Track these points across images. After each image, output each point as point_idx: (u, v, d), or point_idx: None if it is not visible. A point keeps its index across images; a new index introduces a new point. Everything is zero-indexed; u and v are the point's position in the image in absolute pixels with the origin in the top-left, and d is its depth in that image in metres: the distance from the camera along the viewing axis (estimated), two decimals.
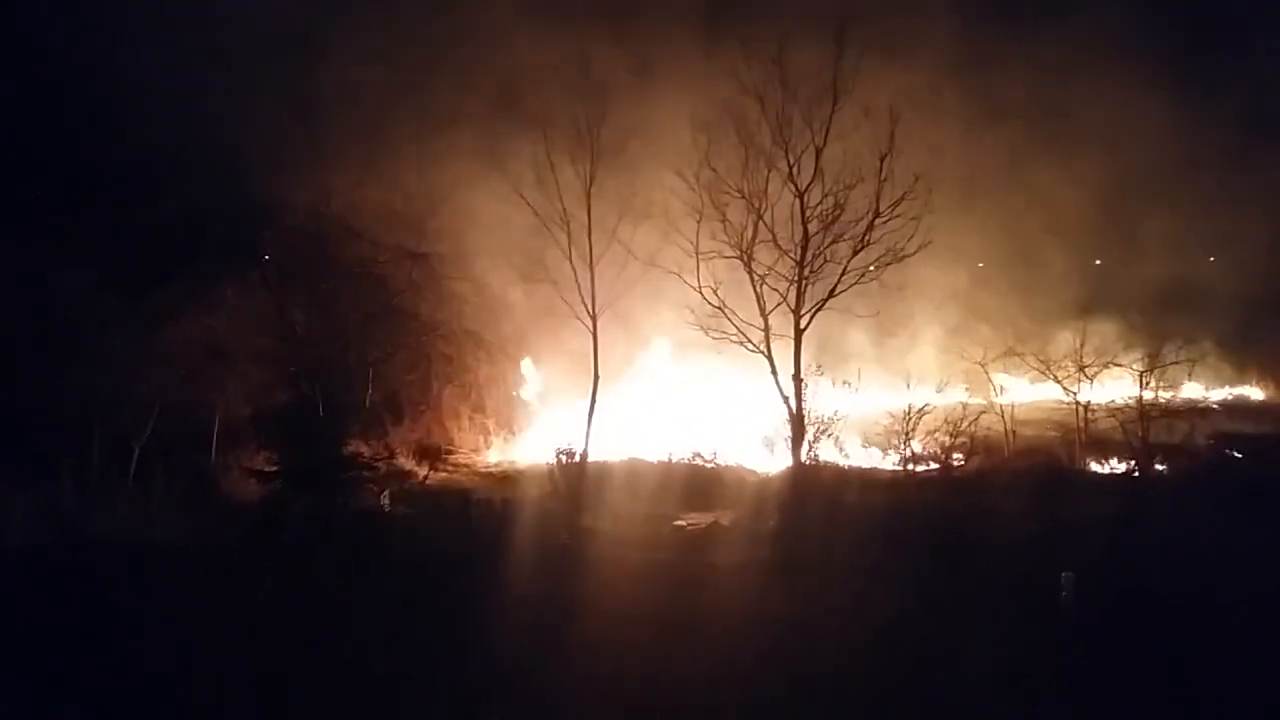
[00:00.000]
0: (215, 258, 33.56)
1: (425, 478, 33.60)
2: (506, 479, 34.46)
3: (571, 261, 32.62)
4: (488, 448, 37.97)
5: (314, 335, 35.01)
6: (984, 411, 35.69)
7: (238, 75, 35.32)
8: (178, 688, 18.01)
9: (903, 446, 33.30)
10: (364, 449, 34.78)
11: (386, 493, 30.40)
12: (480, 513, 29.39)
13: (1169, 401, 34.43)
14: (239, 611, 21.03)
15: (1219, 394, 44.87)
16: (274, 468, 31.57)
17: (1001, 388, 37.82)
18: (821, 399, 32.92)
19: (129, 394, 29.51)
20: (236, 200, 34.93)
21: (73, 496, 28.01)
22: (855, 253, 31.15)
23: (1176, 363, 34.55)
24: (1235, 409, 42.38)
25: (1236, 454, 34.22)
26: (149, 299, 30.76)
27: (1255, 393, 45.80)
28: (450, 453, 36.67)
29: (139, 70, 35.28)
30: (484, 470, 35.93)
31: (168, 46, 36.14)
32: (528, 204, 33.01)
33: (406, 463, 34.82)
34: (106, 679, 18.20)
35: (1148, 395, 33.87)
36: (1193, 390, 42.44)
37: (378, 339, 36.76)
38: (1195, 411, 36.95)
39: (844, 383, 34.07)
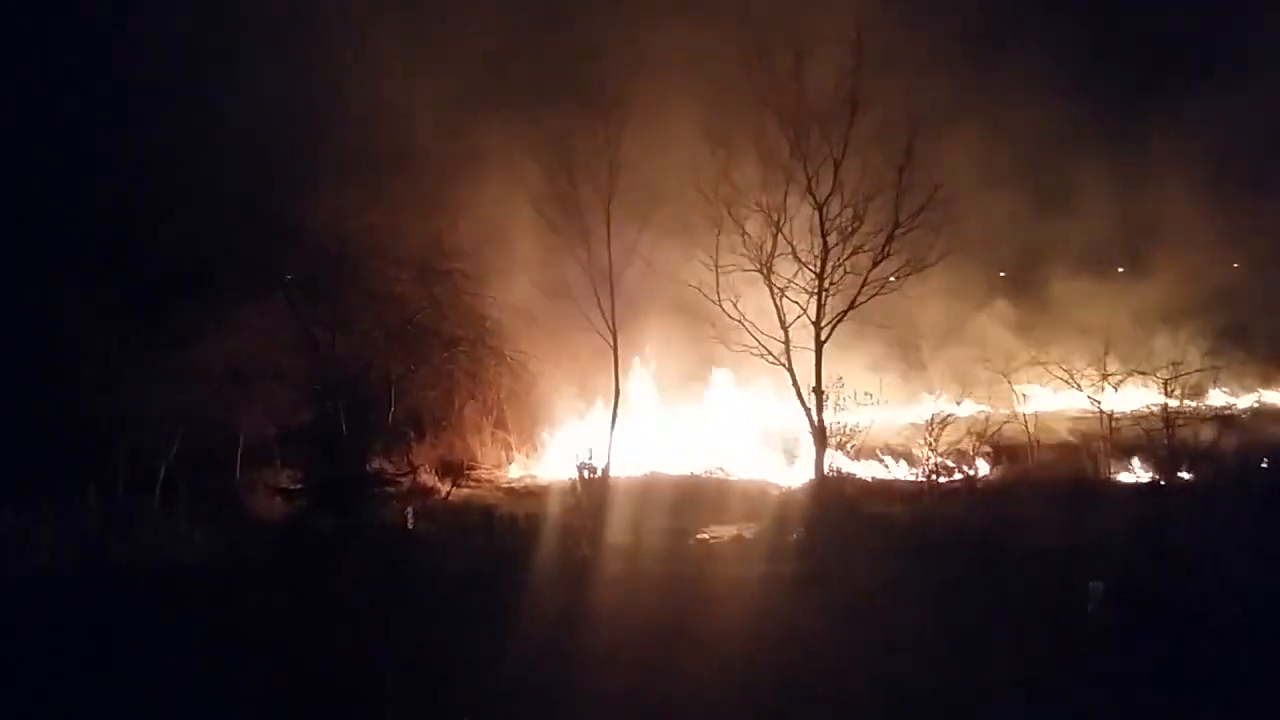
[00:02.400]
0: (236, 277, 33.76)
1: (448, 494, 33.67)
2: (529, 494, 34.51)
3: (591, 276, 32.80)
4: (510, 463, 38.04)
5: (336, 354, 35.19)
6: (1007, 421, 35.56)
7: (258, 93, 35.62)
8: (206, 708, 18.15)
9: (926, 458, 33.14)
10: (387, 466, 34.90)
11: (411, 509, 30.51)
12: (503, 528, 29.44)
13: (1194, 409, 34.14)
14: (265, 630, 21.15)
15: (1246, 400, 44.43)
16: (298, 485, 31.81)
17: (1025, 396, 37.61)
18: (845, 411, 32.98)
19: (152, 414, 29.73)
20: (257, 219, 35.20)
21: (97, 518, 28.25)
22: (875, 264, 31.18)
23: (1201, 370, 34.24)
24: (1262, 415, 41.93)
25: (1263, 462, 33.82)
26: (170, 319, 30.99)
27: None
28: (473, 469, 36.79)
29: (157, 88, 35.75)
30: (506, 486, 35.99)
31: (186, 63, 36.50)
32: (547, 220, 33.20)
33: (429, 479, 34.89)
34: (134, 700, 18.34)
35: (1172, 403, 33.57)
36: (1220, 397, 42.09)
37: (399, 356, 36.92)
38: (1221, 419, 36.62)
39: (865, 394, 33.97)
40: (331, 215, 34.78)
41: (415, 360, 37.73)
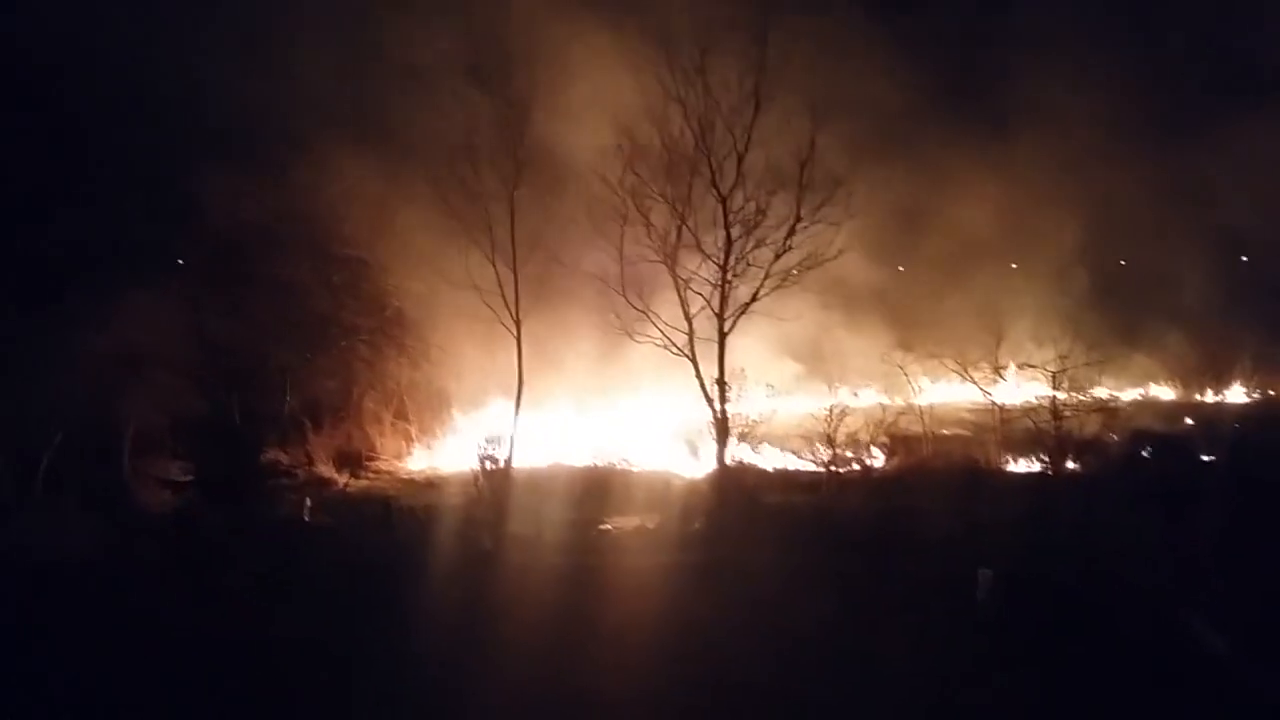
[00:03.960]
0: (127, 262, 32.55)
1: (346, 485, 33.12)
2: (430, 485, 34.07)
3: (495, 267, 32.54)
4: (410, 454, 37.49)
5: (230, 342, 34.25)
6: (903, 413, 36.33)
7: (153, 74, 34.38)
8: (87, 705, 17.57)
9: (825, 448, 33.66)
10: (283, 457, 34.31)
11: (307, 501, 29.91)
12: (402, 520, 29.03)
13: (1080, 401, 35.30)
14: (151, 626, 20.55)
15: (1129, 394, 46.12)
16: (189, 477, 31.03)
17: (920, 388, 38.47)
18: (746, 402, 33.31)
19: (35, 402, 28.52)
20: (148, 205, 34.02)
21: None
22: (777, 257, 31.60)
23: (1088, 364, 35.43)
24: (1145, 408, 43.58)
25: (1145, 452, 35.17)
26: (55, 307, 29.74)
27: (1165, 392, 47.16)
28: (372, 460, 36.19)
29: (49, 65, 34.26)
30: (407, 477, 35.46)
31: (79, 40, 35.06)
32: (450, 208, 32.81)
33: (327, 470, 34.28)
34: (9, 697, 17.65)
35: (1060, 395, 34.68)
36: (1104, 390, 43.60)
37: (296, 345, 36.08)
38: (1106, 411, 37.93)
39: (768, 385, 34.37)
40: (227, 200, 33.81)
41: (312, 349, 36.90)
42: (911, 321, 43.02)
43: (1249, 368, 46.73)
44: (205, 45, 35.14)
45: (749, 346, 34.51)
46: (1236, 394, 47.11)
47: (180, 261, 35.64)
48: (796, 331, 37.80)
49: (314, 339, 37.02)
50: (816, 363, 38.60)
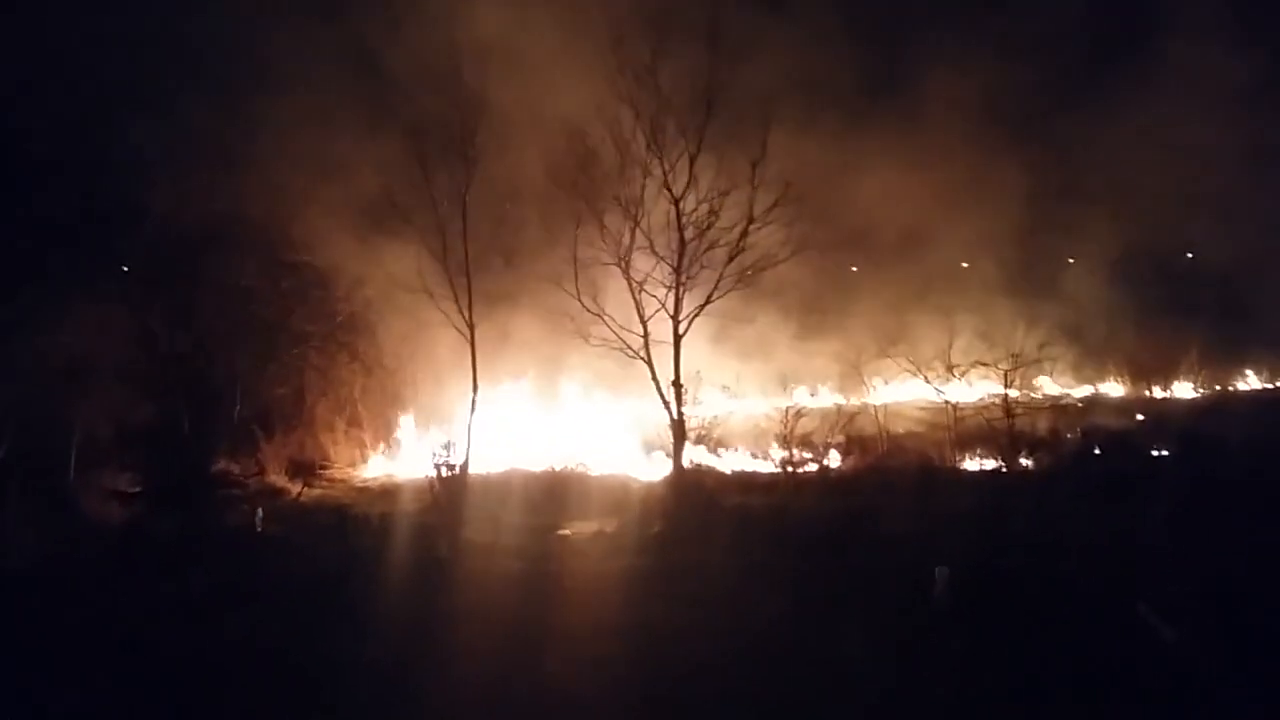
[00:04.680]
0: (67, 268, 31.86)
1: (299, 494, 32.65)
2: (385, 493, 33.67)
3: (448, 270, 32.28)
4: (365, 461, 37.05)
5: (177, 349, 33.70)
6: (858, 412, 36.49)
7: (92, 76, 33.79)
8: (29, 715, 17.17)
9: (781, 448, 33.76)
10: (233, 466, 33.79)
11: (259, 511, 29.45)
12: (357, 529, 28.64)
13: (1032, 399, 35.72)
14: (99, 637, 20.12)
15: (1081, 391, 46.73)
16: (138, 488, 30.49)
17: (874, 388, 38.67)
18: (703, 405, 33.35)
19: None
20: (89, 207, 33.38)
21: None
22: (731, 259, 31.68)
23: (1038, 360, 35.81)
24: (1096, 405, 44.16)
25: (1097, 449, 35.62)
26: None
27: (1116, 389, 47.82)
28: (325, 468, 35.72)
29: None
30: (361, 485, 35.02)
31: (21, 36, 34.42)
32: (400, 212, 32.52)
33: (279, 479, 33.75)
34: None
35: (1012, 393, 35.03)
36: (1055, 388, 44.13)
37: (245, 352, 35.59)
38: (1058, 408, 38.41)
39: (723, 387, 34.44)
40: (172, 203, 33.29)
41: (262, 356, 36.43)
42: (865, 321, 43.16)
43: (1195, 362, 47.51)
44: (148, 47, 34.46)
45: (704, 348, 34.56)
46: (1185, 389, 47.86)
47: (125, 268, 34.92)
48: (751, 332, 37.91)
49: (264, 346, 36.58)
50: (771, 364, 38.61)
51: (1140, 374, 47.50)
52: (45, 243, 32.01)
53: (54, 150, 33.45)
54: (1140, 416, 41.80)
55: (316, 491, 33.62)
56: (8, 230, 31.18)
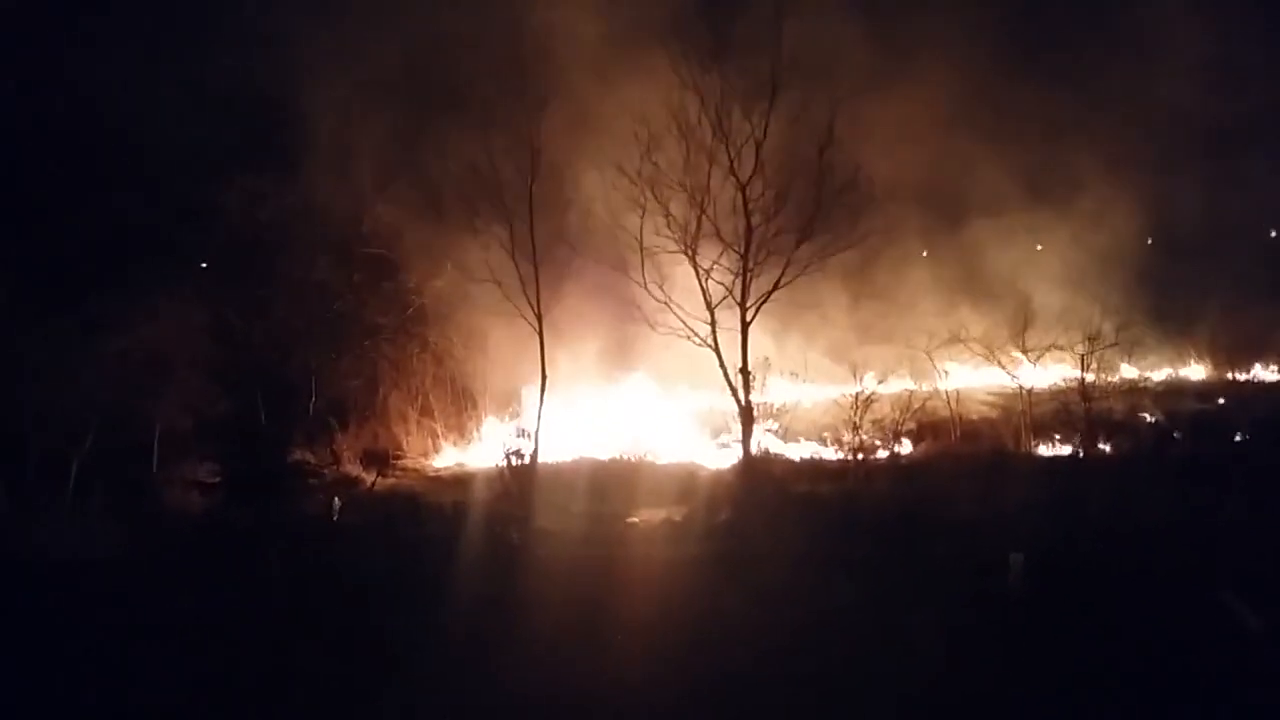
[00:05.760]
0: (149, 265, 32.75)
1: (373, 484, 33.16)
2: (457, 482, 34.03)
3: (515, 261, 32.47)
4: (437, 451, 37.50)
5: (254, 343, 34.41)
6: (929, 398, 35.99)
7: (166, 77, 34.63)
8: (122, 704, 17.67)
9: (851, 435, 33.44)
10: (309, 457, 34.40)
11: (335, 500, 29.99)
12: (430, 517, 29.03)
13: (1109, 383, 34.92)
14: (183, 627, 20.66)
15: (1160, 374, 45.58)
16: (217, 479, 31.20)
17: (946, 373, 38.10)
18: (772, 392, 33.16)
19: (65, 405, 28.74)
20: (171, 204, 34.25)
21: (8, 512, 27.35)
22: (799, 244, 31.36)
23: (1115, 344, 35.02)
24: (1175, 388, 43.08)
25: (1175, 433, 34.76)
26: (82, 307, 29.97)
27: (1196, 371, 46.58)
28: (398, 457, 36.19)
29: (66, 71, 34.57)
30: (433, 474, 35.46)
31: (99, 45, 35.37)
32: (469, 203, 32.77)
33: (354, 469, 34.33)
34: (45, 697, 17.77)
35: (1089, 377, 34.28)
36: (1133, 371, 43.12)
37: (320, 345, 36.23)
38: (1136, 392, 37.50)
39: (791, 374, 34.21)
40: (247, 199, 34.00)
41: (336, 348, 37.05)
42: (936, 305, 42.54)
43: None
44: (223, 46, 35.15)
45: (772, 336, 34.36)
46: (1269, 373, 46.38)
47: (203, 265, 35.77)
48: (818, 319, 37.60)
49: (338, 338, 37.20)
50: (841, 349, 38.23)
51: (1222, 357, 46.15)
52: (125, 242, 32.96)
53: (131, 151, 34.35)
54: (1221, 400, 40.65)
55: (390, 481, 34.11)
56: (88, 231, 32.13)
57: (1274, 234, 51.26)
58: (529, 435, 32.77)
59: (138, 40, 35.59)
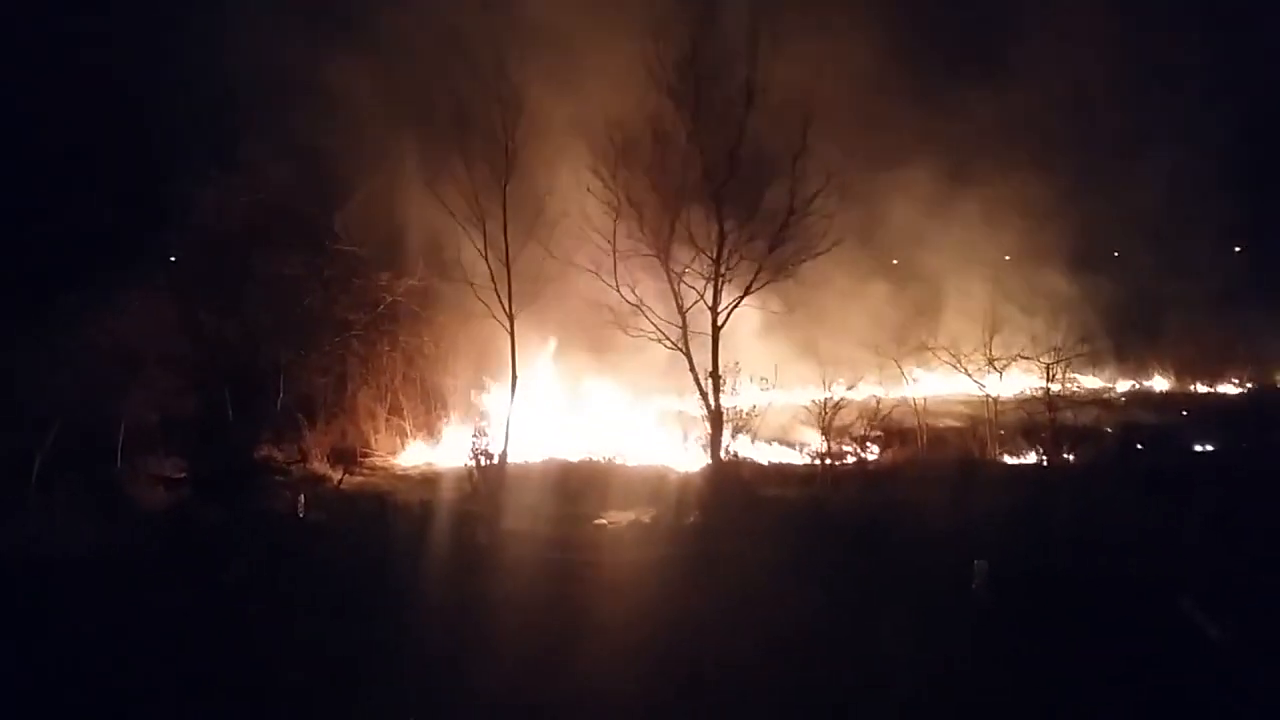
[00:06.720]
0: (117, 262, 32.42)
1: (341, 481, 33.00)
2: (425, 481, 33.93)
3: (488, 261, 32.48)
4: (405, 449, 37.40)
5: (222, 339, 34.16)
6: (897, 405, 36.28)
7: (142, 72, 34.34)
8: (84, 700, 17.54)
9: (819, 441, 33.67)
10: (276, 453, 34.21)
11: (302, 498, 29.82)
12: (397, 516, 28.94)
13: (1074, 393, 35.36)
14: (147, 623, 20.50)
15: (1124, 385, 46.25)
16: (183, 475, 30.97)
17: (914, 380, 38.43)
18: (741, 396, 33.33)
19: (28, 403, 28.39)
20: (138, 202, 33.93)
21: None
22: (771, 250, 31.59)
23: (1080, 354, 35.47)
24: (1139, 400, 43.71)
25: (1139, 444, 35.24)
26: (46, 305, 29.62)
27: (1160, 383, 47.26)
28: (366, 455, 36.07)
29: (36, 64, 34.21)
30: (401, 473, 35.32)
31: (68, 42, 35.03)
32: (442, 203, 32.71)
33: (321, 466, 34.12)
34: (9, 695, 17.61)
35: (1054, 387, 34.68)
36: (1097, 382, 43.72)
37: (289, 341, 36.01)
38: (1100, 403, 38.02)
39: (760, 379, 34.39)
40: (217, 195, 33.75)
41: (305, 345, 36.82)
42: (906, 313, 42.98)
43: (1242, 359, 46.78)
44: (192, 42, 34.91)
45: (743, 341, 34.52)
46: (1230, 386, 47.15)
47: (172, 259, 35.46)
48: (789, 324, 37.81)
49: (307, 335, 36.94)
50: (810, 355, 38.49)
51: (1185, 369, 46.90)
52: (95, 237, 32.59)
53: (103, 147, 34.03)
54: (1185, 412, 41.29)
55: (358, 479, 33.96)
56: (58, 226, 31.78)
57: (1237, 249, 52.07)
58: (498, 435, 32.71)
59: (109, 38, 35.29)
